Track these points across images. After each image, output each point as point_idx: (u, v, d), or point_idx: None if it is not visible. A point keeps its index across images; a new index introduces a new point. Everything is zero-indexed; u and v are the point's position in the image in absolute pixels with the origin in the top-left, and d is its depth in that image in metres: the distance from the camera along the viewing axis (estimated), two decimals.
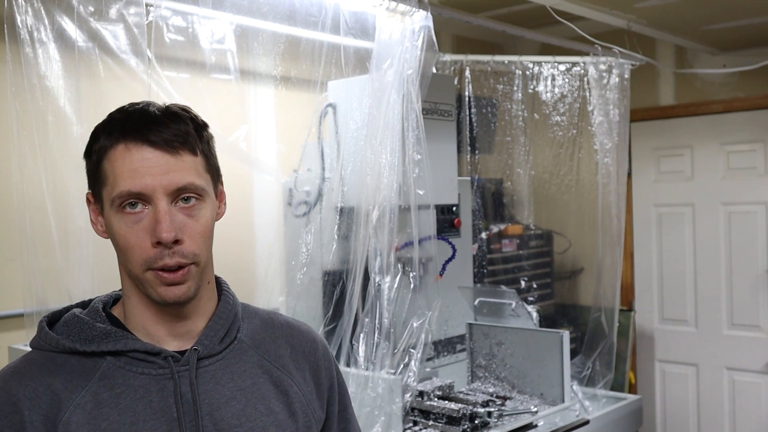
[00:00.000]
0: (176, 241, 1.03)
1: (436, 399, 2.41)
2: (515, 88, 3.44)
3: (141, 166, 1.02)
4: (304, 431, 1.16)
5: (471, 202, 2.98)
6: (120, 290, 1.15)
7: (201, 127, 1.10)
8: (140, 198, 1.03)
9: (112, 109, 1.10)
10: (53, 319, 1.12)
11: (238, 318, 1.16)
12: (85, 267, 1.78)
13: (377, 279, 2.22)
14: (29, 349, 1.11)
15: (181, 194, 1.04)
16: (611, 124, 3.21)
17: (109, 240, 1.10)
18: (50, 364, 1.05)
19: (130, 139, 1.03)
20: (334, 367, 1.27)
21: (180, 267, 1.04)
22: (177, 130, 1.05)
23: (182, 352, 1.08)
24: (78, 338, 1.06)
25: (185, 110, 1.10)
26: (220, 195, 1.14)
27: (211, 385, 1.09)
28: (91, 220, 1.11)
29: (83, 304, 1.14)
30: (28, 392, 1.02)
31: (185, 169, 1.05)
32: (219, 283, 1.19)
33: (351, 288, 2.24)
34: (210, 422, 1.06)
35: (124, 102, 1.11)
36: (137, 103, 1.09)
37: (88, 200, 1.11)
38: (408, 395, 2.26)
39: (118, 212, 1.03)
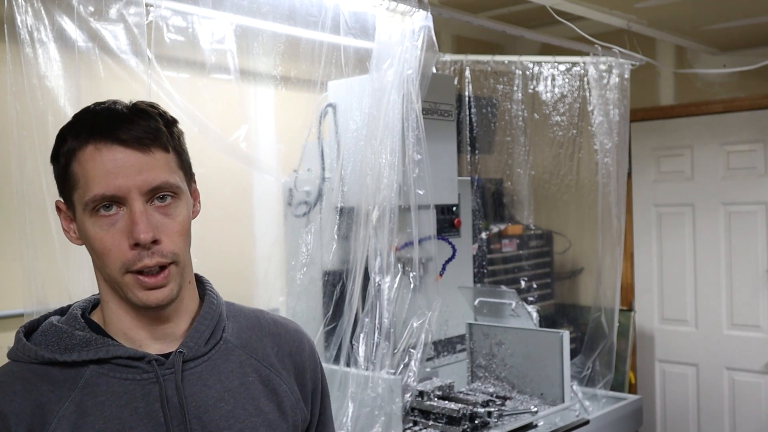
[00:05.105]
0: (154, 242, 1.00)
1: (436, 399, 2.41)
2: (515, 88, 3.43)
3: (113, 167, 0.99)
4: (293, 430, 1.14)
5: (471, 202, 2.97)
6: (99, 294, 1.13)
7: (171, 123, 1.07)
8: (114, 200, 0.99)
9: None
10: (31, 329, 1.08)
11: (222, 318, 1.14)
12: (85, 267, 1.76)
13: (377, 279, 2.22)
14: None
15: (156, 193, 1.01)
16: (611, 124, 3.21)
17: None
18: (32, 376, 1.02)
19: (99, 138, 1.00)
20: (320, 370, 1.24)
21: (161, 268, 1.01)
22: (147, 127, 1.02)
23: (166, 356, 1.06)
24: (57, 348, 1.03)
25: (153, 106, 1.06)
26: (194, 194, 1.12)
27: (197, 387, 1.06)
28: (63, 229, 1.08)
29: (61, 311, 1.11)
30: (14, 407, 0.99)
31: (158, 167, 1.01)
32: (201, 282, 1.16)
33: (351, 288, 2.24)
34: (198, 425, 1.04)
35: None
36: (102, 102, 1.05)
37: (58, 208, 1.08)
38: (408, 395, 2.26)
39: (92, 216, 1.00)
